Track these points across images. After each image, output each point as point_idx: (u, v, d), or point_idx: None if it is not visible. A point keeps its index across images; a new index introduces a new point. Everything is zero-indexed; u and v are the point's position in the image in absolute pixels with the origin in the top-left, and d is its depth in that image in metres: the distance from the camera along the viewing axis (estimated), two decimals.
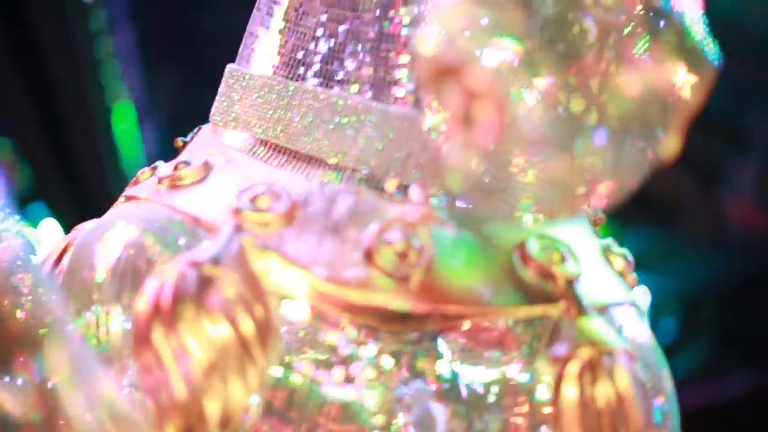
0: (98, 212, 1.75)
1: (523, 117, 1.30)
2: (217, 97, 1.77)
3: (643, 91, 1.35)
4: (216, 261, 1.47)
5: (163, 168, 1.69)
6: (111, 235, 1.61)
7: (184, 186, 1.65)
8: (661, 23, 1.36)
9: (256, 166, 1.62)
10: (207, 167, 1.65)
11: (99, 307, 1.56)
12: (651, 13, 1.36)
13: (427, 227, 1.52)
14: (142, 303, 1.45)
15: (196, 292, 1.44)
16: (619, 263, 1.69)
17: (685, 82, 1.37)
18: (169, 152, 1.83)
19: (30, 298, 1.27)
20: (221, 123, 1.71)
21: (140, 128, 6.06)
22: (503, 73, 1.30)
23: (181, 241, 1.57)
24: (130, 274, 1.56)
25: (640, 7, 1.35)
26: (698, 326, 5.96)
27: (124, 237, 1.59)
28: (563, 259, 1.56)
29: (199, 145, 1.74)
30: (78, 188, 6.01)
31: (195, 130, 1.83)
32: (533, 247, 1.56)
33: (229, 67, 1.77)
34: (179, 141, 1.83)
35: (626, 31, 1.34)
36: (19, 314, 1.27)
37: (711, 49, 1.41)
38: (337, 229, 1.52)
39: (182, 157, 1.73)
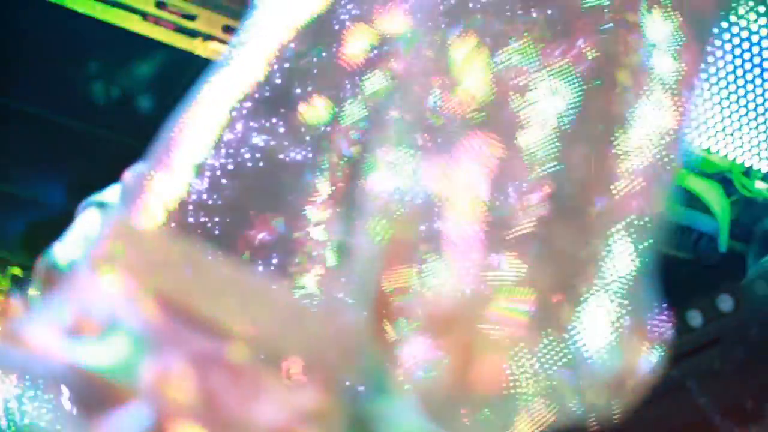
0: None
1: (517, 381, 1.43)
2: (99, 239, 1.71)
3: None
4: None
5: (51, 312, 1.61)
6: None
7: (82, 339, 1.57)
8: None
9: (153, 324, 1.61)
10: (105, 320, 1.59)
11: None
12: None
13: (325, 420, 1.53)
14: None
15: None
16: None
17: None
18: None
19: None
20: (106, 268, 1.65)
21: None
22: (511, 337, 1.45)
23: (79, 403, 1.49)
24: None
25: None
26: None
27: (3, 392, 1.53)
28: None
29: (86, 287, 1.69)
30: None
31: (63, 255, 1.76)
32: None
33: (117, 210, 1.71)
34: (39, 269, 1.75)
35: None
36: None
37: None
38: (241, 409, 1.53)
39: (69, 301, 1.67)
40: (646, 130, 1.63)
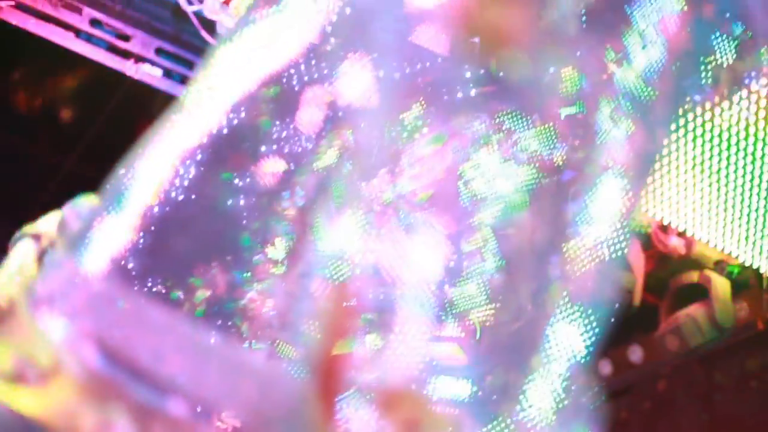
0: None
1: None
2: (41, 279, 1.68)
3: None
4: None
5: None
6: None
7: (23, 384, 1.54)
8: None
9: (96, 373, 1.55)
10: (47, 366, 1.56)
11: None
12: None
13: None
14: None
15: None
16: None
17: None
18: None
19: None
20: (49, 311, 1.62)
21: None
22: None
23: None
24: None
25: None
26: None
27: None
28: None
29: (27, 331, 1.65)
30: None
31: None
32: None
33: (59, 250, 1.69)
34: None
35: None
36: None
37: None
38: None
39: (9, 345, 1.63)
40: (598, 218, 1.66)
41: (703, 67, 1.94)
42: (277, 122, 1.69)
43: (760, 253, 4.45)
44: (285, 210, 1.62)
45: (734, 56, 2.02)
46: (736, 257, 4.49)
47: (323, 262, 1.58)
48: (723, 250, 4.46)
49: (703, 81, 1.98)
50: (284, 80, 1.70)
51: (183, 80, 4.54)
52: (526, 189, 1.65)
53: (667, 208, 4.35)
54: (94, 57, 4.44)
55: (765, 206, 4.29)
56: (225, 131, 1.69)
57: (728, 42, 2.04)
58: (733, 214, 4.31)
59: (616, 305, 1.75)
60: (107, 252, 1.66)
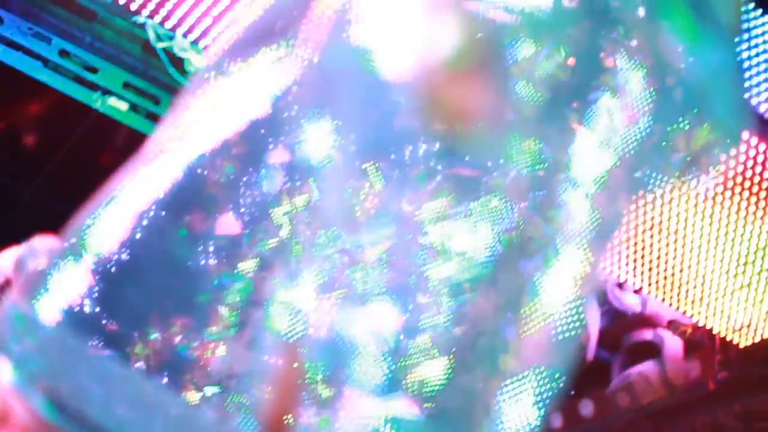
0: None
1: None
2: None
3: None
4: None
5: None
6: None
7: None
8: None
9: (45, 425, 1.54)
10: None
11: None
12: None
13: None
14: None
15: None
16: None
17: None
18: None
19: None
20: (2, 353, 1.62)
21: None
22: None
23: None
24: None
25: None
26: None
27: None
28: None
29: None
30: None
31: None
32: None
33: (13, 292, 1.67)
34: None
35: None
36: None
37: None
38: None
39: None
40: (555, 276, 1.67)
41: (663, 135, 1.98)
42: (240, 171, 1.69)
43: (714, 314, 4.49)
44: (244, 259, 1.62)
45: (694, 125, 2.05)
46: (690, 317, 4.53)
47: (279, 312, 1.57)
48: (677, 309, 4.50)
49: (664, 147, 2.01)
50: (249, 131, 1.70)
51: (149, 115, 4.53)
52: (484, 245, 1.66)
53: (624, 266, 4.39)
54: (60, 87, 4.43)
55: (720, 268, 4.34)
56: (188, 179, 1.69)
57: (688, 111, 2.07)
58: (688, 275, 4.36)
59: (570, 364, 1.76)
60: (63, 297, 1.65)
